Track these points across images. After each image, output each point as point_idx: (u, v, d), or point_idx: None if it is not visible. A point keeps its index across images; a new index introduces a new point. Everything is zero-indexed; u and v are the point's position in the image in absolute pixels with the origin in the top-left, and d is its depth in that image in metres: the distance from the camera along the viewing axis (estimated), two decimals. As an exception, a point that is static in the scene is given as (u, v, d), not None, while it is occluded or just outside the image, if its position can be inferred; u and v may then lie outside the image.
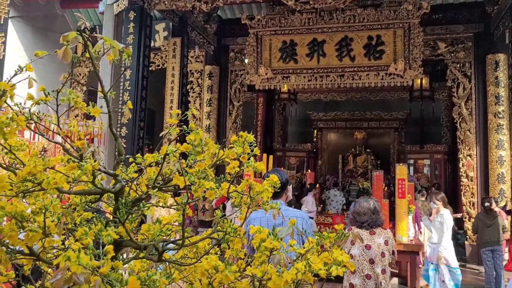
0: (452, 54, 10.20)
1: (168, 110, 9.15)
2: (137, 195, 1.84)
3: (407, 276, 7.20)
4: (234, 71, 11.36)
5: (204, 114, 10.90)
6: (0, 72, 5.11)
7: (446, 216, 6.45)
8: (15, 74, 1.48)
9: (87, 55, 1.82)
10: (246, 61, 10.59)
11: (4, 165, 1.44)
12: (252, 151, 1.53)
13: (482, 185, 9.81)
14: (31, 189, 1.43)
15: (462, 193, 10.10)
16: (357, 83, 8.87)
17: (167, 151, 1.48)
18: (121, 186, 1.74)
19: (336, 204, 11.06)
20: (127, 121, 7.49)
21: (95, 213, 1.86)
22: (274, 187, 1.63)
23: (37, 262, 1.66)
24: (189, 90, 11.09)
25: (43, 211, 1.26)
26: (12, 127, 1.36)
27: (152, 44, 9.02)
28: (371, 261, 3.61)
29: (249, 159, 1.62)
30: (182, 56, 9.21)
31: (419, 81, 12.42)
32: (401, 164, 7.52)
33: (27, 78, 1.61)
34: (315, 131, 16.03)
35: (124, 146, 7.10)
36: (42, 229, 1.30)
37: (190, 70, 10.96)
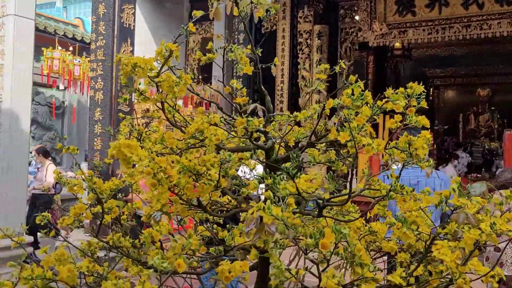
0: None
1: (279, 72, 9.17)
2: (285, 152, 1.85)
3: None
4: (344, 29, 10.93)
5: (314, 76, 10.74)
6: (132, 41, 5.50)
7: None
8: (179, 35, 1.53)
9: (236, 12, 1.84)
10: (357, 17, 10.10)
11: (174, 123, 1.53)
12: (418, 103, 1.43)
13: None
14: (192, 146, 1.50)
15: None
16: (486, 33, 7.97)
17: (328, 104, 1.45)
18: (272, 143, 1.76)
19: (461, 167, 10.33)
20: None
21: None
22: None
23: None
24: (298, 52, 10.96)
25: (220, 163, 1.31)
26: (181, 85, 1.42)
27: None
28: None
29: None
30: (292, 16, 9.08)
31: (559, 26, 10.79)
32: (540, 122, 6.70)
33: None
34: (431, 89, 14.95)
35: (240, 109, 7.33)
36: (215, 182, 1.36)
37: (299, 31, 10.78)
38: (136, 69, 1.37)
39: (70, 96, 8.92)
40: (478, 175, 10.37)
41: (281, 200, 1.14)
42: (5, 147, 5.10)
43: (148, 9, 10.38)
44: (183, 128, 1.57)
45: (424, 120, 1.51)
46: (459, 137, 13.24)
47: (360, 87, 1.46)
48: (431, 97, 14.94)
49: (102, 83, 5.27)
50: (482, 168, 11.01)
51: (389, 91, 1.58)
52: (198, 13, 1.63)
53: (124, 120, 1.76)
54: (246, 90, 1.97)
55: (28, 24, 5.32)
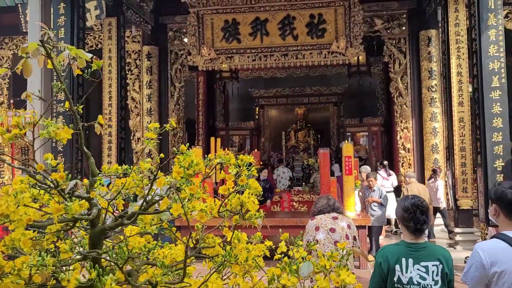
0: (388, 31, 10.50)
1: (107, 94, 8.68)
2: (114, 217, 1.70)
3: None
4: (173, 51, 10.97)
5: (145, 97, 10.48)
6: None
7: None
8: None
9: (49, 65, 1.63)
10: (186, 40, 10.25)
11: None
12: (249, 171, 1.44)
13: (418, 156, 10.37)
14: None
15: (400, 164, 10.62)
16: (300, 62, 8.90)
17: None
18: (97, 211, 1.59)
19: (285, 181, 11.22)
20: (63, 110, 6.99)
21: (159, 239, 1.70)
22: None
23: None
24: (127, 72, 10.58)
25: (30, 266, 1.10)
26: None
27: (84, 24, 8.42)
28: (336, 244, 3.69)
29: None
30: (119, 37, 8.71)
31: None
32: (347, 141, 7.72)
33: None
34: (257, 108, 16.04)
35: (64, 137, 6.62)
36: (26, 280, 1.14)
37: (127, 51, 10.42)
38: None
39: None
40: (299, 188, 11.46)
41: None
42: None
43: None
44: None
45: (255, 184, 1.54)
46: (283, 152, 14.46)
47: (191, 156, 1.41)
48: (257, 116, 16.02)
49: None
50: (302, 181, 12.19)
51: (220, 152, 1.57)
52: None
53: None
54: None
55: None
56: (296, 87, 15.83)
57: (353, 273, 3.71)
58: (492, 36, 6.48)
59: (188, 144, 1.60)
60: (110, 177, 1.86)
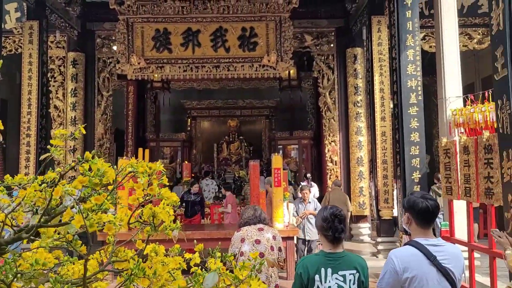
0: (317, 47, 10.87)
1: (26, 102, 8.15)
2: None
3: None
4: (101, 59, 10.57)
5: (69, 106, 9.96)
6: None
7: None
8: None
9: None
10: (115, 48, 9.93)
11: None
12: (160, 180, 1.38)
13: (345, 168, 10.75)
14: None
15: (328, 176, 10.95)
16: (232, 74, 8.94)
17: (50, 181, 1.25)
18: (-8, 223, 1.45)
19: (209, 194, 11.13)
20: (-25, 117, 6.45)
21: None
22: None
23: None
24: (50, 79, 10.03)
25: None
26: None
27: (2, 26, 7.88)
28: (261, 255, 3.68)
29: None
30: (41, 41, 8.23)
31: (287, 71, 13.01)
32: (276, 154, 7.82)
33: None
34: (189, 119, 15.89)
35: (-26, 146, 6.13)
36: None
37: (51, 57, 9.88)
38: None
39: None
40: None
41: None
42: None
43: None
44: None
45: (167, 193, 1.48)
46: (214, 164, 14.40)
47: (97, 164, 1.33)
48: (189, 128, 15.85)
49: None
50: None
51: (133, 160, 1.50)
52: None
53: None
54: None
55: None
56: (229, 100, 15.90)
57: (277, 284, 3.73)
58: (410, 56, 6.92)
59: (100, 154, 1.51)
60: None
